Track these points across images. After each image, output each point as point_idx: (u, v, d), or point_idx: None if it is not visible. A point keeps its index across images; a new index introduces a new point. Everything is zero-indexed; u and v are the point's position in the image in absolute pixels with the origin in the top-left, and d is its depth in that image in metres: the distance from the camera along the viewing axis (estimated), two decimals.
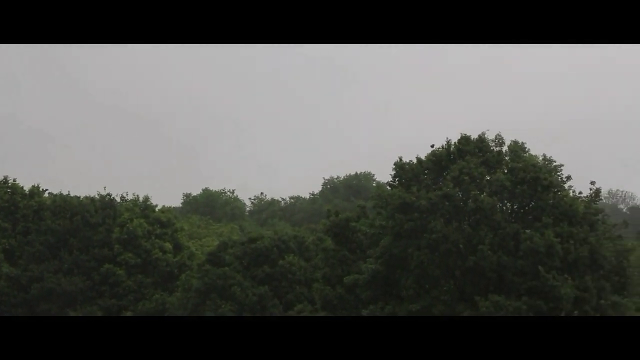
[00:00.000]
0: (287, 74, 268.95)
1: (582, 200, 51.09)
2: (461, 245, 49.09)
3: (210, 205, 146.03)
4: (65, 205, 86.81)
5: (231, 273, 73.15)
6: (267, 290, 72.44)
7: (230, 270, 73.45)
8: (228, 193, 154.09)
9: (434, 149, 52.45)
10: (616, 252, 50.31)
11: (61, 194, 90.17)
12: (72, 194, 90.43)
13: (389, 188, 54.15)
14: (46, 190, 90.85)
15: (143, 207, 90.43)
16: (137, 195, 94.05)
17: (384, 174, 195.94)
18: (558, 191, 50.61)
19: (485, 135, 52.40)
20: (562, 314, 45.67)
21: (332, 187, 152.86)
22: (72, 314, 78.26)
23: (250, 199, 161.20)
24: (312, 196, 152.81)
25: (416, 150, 62.50)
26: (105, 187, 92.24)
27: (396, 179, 52.87)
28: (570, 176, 52.05)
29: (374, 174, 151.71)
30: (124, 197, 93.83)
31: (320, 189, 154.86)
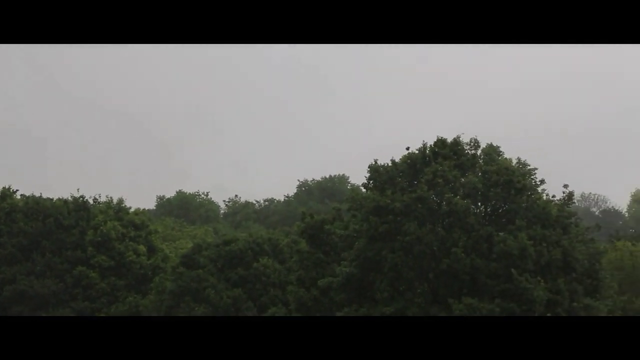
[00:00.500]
0: (262, 75, 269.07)
1: (555, 204, 51.45)
2: (435, 248, 49.25)
3: (184, 208, 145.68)
4: (37, 207, 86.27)
5: (205, 275, 72.98)
6: (241, 292, 72.32)
7: (204, 272, 73.29)
8: (202, 195, 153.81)
9: (409, 151, 52.58)
10: (589, 255, 50.63)
11: (33, 196, 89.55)
12: (44, 196, 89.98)
13: (364, 190, 54.23)
14: (17, 190, 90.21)
15: (117, 210, 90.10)
16: (111, 198, 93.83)
17: (359, 177, 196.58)
18: (531, 194, 50.92)
19: (461, 139, 52.64)
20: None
21: (307, 190, 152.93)
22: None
23: (224, 201, 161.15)
24: (286, 198, 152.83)
25: (392, 153, 62.69)
26: (78, 189, 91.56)
27: (370, 182, 52.92)
28: (544, 180, 52.45)
29: (348, 177, 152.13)
30: (97, 200, 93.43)
31: (295, 191, 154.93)
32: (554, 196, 52.07)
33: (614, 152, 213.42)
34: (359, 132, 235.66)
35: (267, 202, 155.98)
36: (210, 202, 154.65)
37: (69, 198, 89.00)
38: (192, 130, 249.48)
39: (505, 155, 52.82)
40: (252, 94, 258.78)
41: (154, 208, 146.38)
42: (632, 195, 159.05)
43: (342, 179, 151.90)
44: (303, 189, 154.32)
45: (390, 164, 52.62)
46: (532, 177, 52.17)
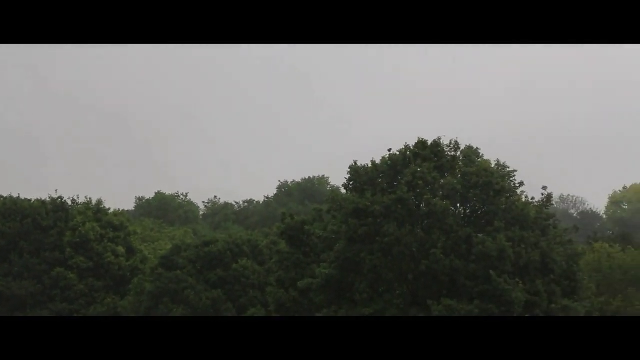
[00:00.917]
0: (244, 76, 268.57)
1: (534, 206, 51.74)
2: (414, 249, 49.37)
3: (163, 209, 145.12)
4: (15, 208, 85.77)
5: (184, 277, 72.81)
6: (221, 293, 72.22)
7: (183, 274, 73.12)
8: (181, 197, 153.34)
9: (390, 152, 52.69)
10: (567, 256, 50.93)
11: (11, 197, 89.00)
12: (22, 197, 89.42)
13: (344, 191, 54.29)
14: None
15: (96, 211, 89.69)
16: (90, 199, 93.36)
17: (339, 178, 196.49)
18: (510, 196, 51.18)
19: (441, 140, 52.80)
20: None
21: (287, 191, 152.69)
22: None
23: (203, 202, 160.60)
24: (266, 199, 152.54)
25: (373, 154, 62.82)
26: (56, 190, 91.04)
27: (351, 182, 52.97)
28: (522, 182, 52.74)
29: (328, 178, 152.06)
30: (76, 201, 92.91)
31: (274, 192, 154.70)
32: (532, 198, 52.43)
33: (592, 154, 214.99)
34: (339, 133, 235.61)
35: (246, 203, 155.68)
36: (190, 204, 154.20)
37: (47, 199, 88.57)
38: (172, 130, 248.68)
39: (484, 157, 53.08)
40: (233, 95, 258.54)
41: (133, 209, 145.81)
42: (610, 198, 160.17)
43: (322, 181, 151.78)
44: (283, 190, 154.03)
45: (370, 165, 52.72)
46: (511, 179, 52.44)
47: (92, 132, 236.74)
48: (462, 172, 51.24)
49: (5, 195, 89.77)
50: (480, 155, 53.07)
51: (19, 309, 79.31)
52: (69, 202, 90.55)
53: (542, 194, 52.72)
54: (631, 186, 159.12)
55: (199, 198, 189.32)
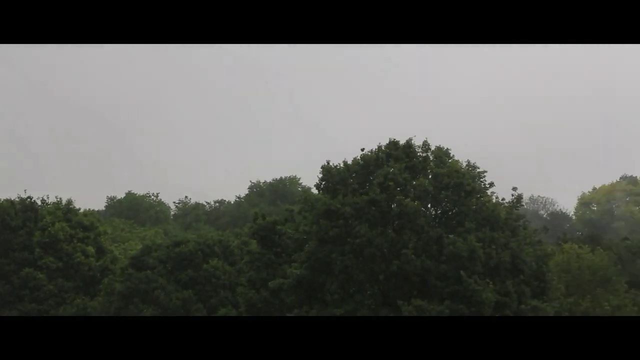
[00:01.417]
0: (218, 74, 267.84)
1: (504, 206, 52.03)
2: (385, 250, 49.47)
3: (134, 209, 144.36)
4: None
5: (154, 277, 72.52)
6: (191, 294, 72.02)
7: (153, 274, 72.82)
8: (152, 197, 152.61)
9: (363, 152, 52.73)
10: (536, 257, 51.24)
11: None
12: None
13: (316, 191, 54.28)
14: None
15: (65, 211, 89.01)
16: (60, 198, 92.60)
17: (311, 179, 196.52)
18: (481, 197, 51.44)
19: (413, 141, 52.92)
20: None
21: (258, 191, 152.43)
22: None
23: (174, 202, 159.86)
24: (237, 200, 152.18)
25: (345, 155, 62.87)
26: (25, 190, 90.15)
27: (323, 183, 52.95)
28: (493, 182, 52.97)
29: (300, 178, 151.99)
30: (45, 200, 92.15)
31: (246, 192, 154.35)
32: (503, 199, 52.70)
33: (562, 155, 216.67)
34: (311, 133, 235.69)
35: (217, 204, 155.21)
36: (161, 203, 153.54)
37: (16, 199, 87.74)
38: (143, 130, 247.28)
39: (455, 158, 53.27)
40: (206, 94, 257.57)
41: (104, 209, 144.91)
42: (579, 199, 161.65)
43: (294, 181, 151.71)
44: (254, 190, 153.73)
45: (342, 165, 52.73)
46: (482, 179, 52.68)
47: (60, 130, 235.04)
48: (434, 173, 51.42)
49: None
50: (451, 156, 53.25)
51: None
52: (39, 202, 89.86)
53: (512, 195, 53.10)
54: (600, 187, 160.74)
55: (170, 198, 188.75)
